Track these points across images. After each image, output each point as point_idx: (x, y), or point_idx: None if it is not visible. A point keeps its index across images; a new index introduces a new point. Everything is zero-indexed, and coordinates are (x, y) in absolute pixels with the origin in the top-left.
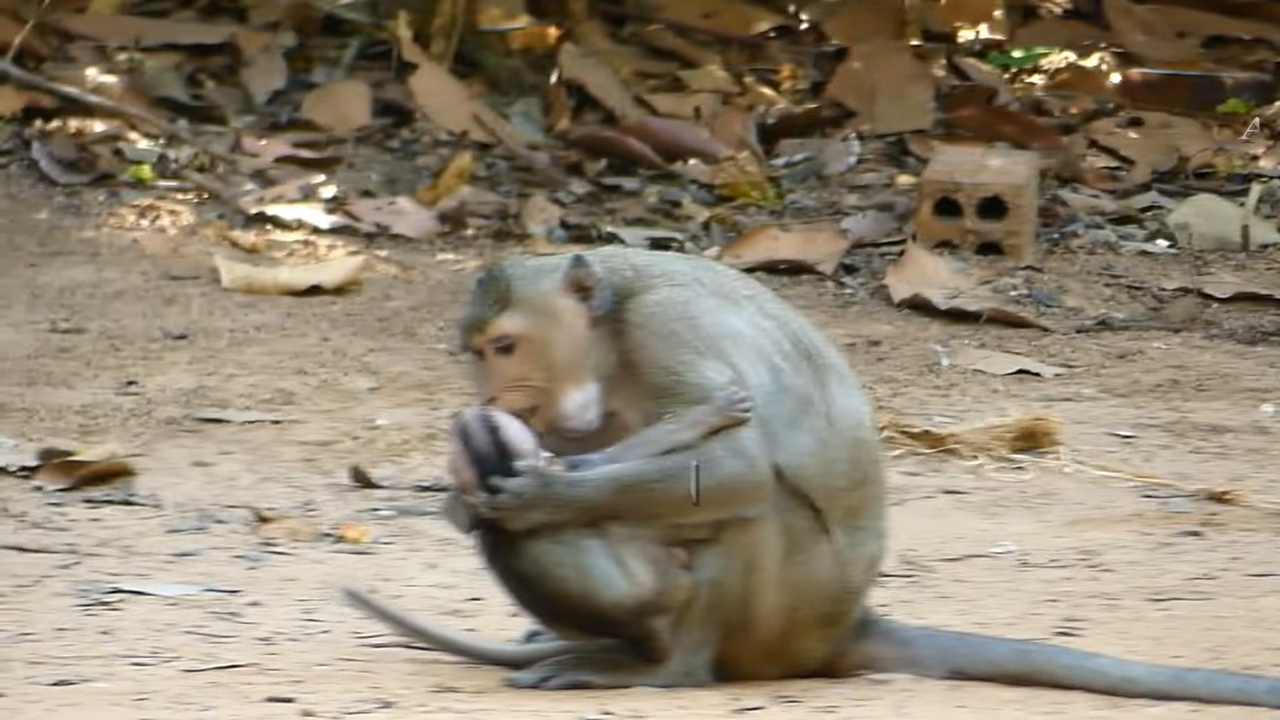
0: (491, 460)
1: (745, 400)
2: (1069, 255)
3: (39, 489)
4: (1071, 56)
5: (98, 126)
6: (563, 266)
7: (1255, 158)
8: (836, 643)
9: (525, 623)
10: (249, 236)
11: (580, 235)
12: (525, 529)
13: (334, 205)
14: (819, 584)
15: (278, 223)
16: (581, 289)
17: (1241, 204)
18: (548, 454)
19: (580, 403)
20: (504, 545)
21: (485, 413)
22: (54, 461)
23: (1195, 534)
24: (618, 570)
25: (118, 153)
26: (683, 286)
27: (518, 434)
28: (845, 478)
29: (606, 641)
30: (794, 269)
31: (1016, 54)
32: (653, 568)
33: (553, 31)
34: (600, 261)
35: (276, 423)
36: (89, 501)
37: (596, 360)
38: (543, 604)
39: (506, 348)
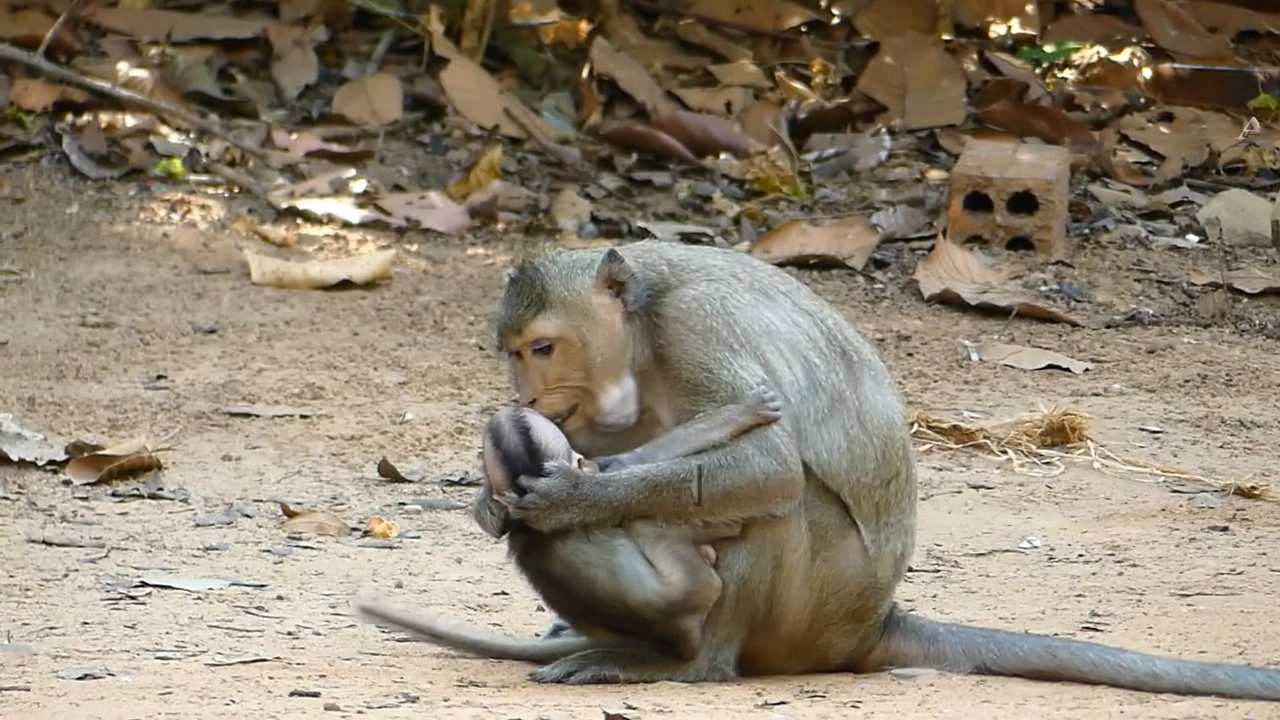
0: (522, 461)
1: (775, 399)
2: (1099, 250)
3: (67, 483)
4: (1103, 51)
5: (129, 121)
6: (597, 263)
7: (1253, 144)
8: (863, 638)
9: (551, 617)
10: (279, 231)
11: (611, 230)
12: (555, 529)
13: (364, 199)
14: (846, 579)
15: (308, 217)
16: (616, 284)
17: (1272, 199)
18: (579, 454)
19: (619, 399)
20: (535, 546)
21: (517, 413)
22: (82, 455)
23: (1222, 529)
24: (648, 570)
25: (149, 147)
26: (719, 282)
27: (549, 434)
28: (874, 474)
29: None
30: (824, 264)
31: (1048, 49)
32: (683, 567)
33: (584, 26)
34: (635, 256)
35: (305, 417)
36: (116, 495)
37: (632, 355)
38: (574, 604)
39: (545, 349)
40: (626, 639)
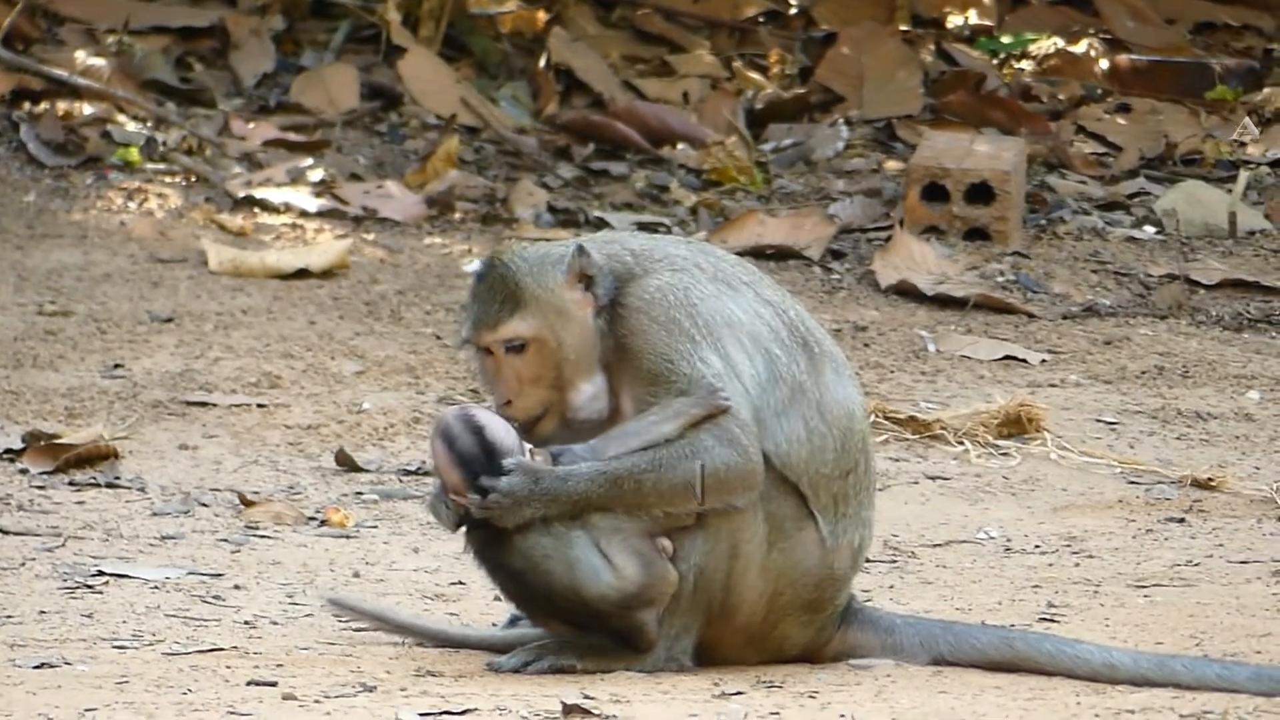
0: (480, 461)
1: (724, 391)
2: (1056, 241)
3: (24, 471)
4: (1060, 42)
5: (86, 109)
6: (567, 257)
7: (1243, 144)
8: (819, 629)
9: (509, 607)
10: (236, 220)
11: (568, 220)
12: (517, 525)
13: (322, 189)
14: (803, 570)
15: (265, 206)
16: (585, 278)
17: (1229, 190)
18: (530, 446)
19: (590, 394)
20: (493, 540)
21: (466, 412)
22: (39, 444)
23: (1179, 521)
24: (603, 564)
25: (106, 135)
26: (682, 272)
27: (500, 431)
28: (833, 465)
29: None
30: (781, 254)
31: (1005, 40)
32: (638, 561)
33: (541, 15)
34: (599, 248)
35: (262, 406)
36: (74, 484)
37: (600, 348)
38: (531, 596)
39: (519, 348)
40: (583, 631)
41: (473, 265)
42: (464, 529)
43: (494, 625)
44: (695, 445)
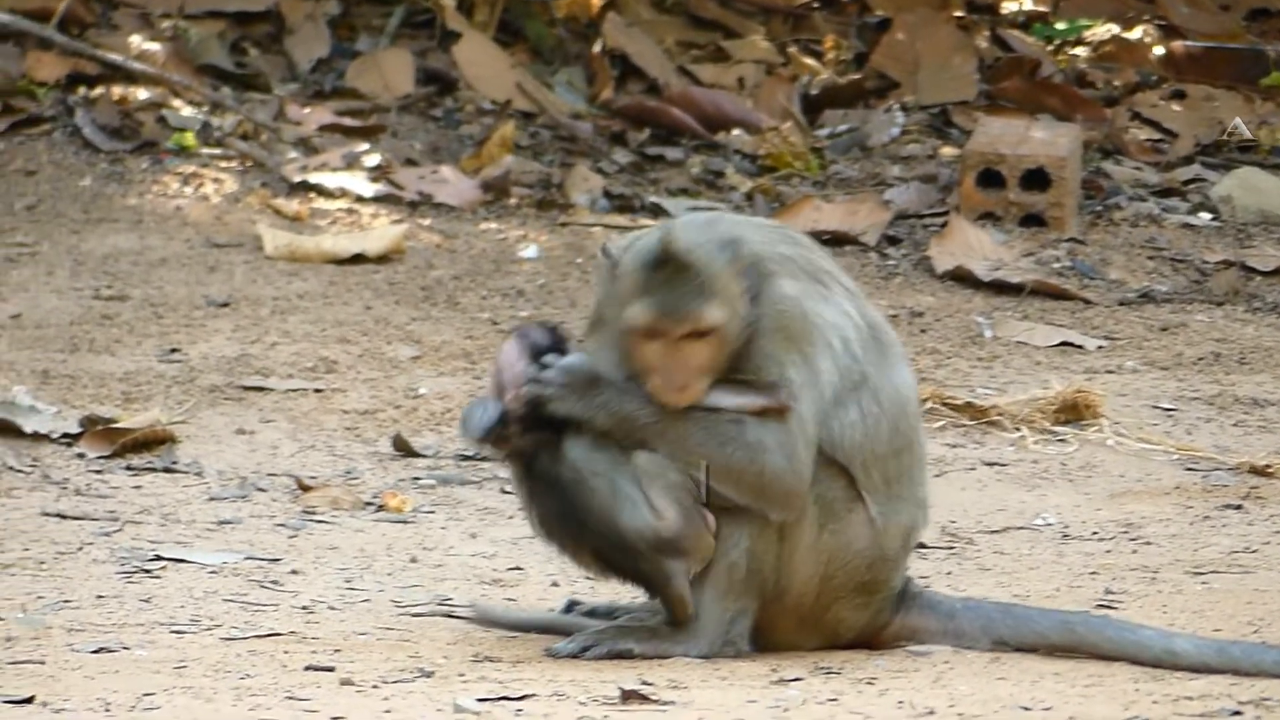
0: (548, 349)
1: (797, 400)
2: (1112, 227)
3: (81, 456)
4: (1115, 29)
5: (141, 94)
6: (730, 248)
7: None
8: (875, 613)
9: (565, 593)
10: (292, 204)
11: (623, 205)
12: (565, 416)
13: (377, 174)
14: (854, 552)
15: (321, 191)
16: (742, 269)
17: None
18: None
19: (698, 393)
20: (547, 450)
21: (541, 321)
22: (96, 429)
23: (1236, 507)
24: (644, 501)
25: (161, 120)
26: (796, 279)
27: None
28: (886, 445)
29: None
30: (837, 240)
31: (1060, 26)
32: (679, 510)
33: (596, 0)
34: (729, 228)
35: (319, 391)
36: (131, 469)
37: None
38: (569, 515)
39: (701, 334)
40: (608, 568)
41: (646, 245)
42: (507, 433)
43: (550, 610)
44: (756, 438)
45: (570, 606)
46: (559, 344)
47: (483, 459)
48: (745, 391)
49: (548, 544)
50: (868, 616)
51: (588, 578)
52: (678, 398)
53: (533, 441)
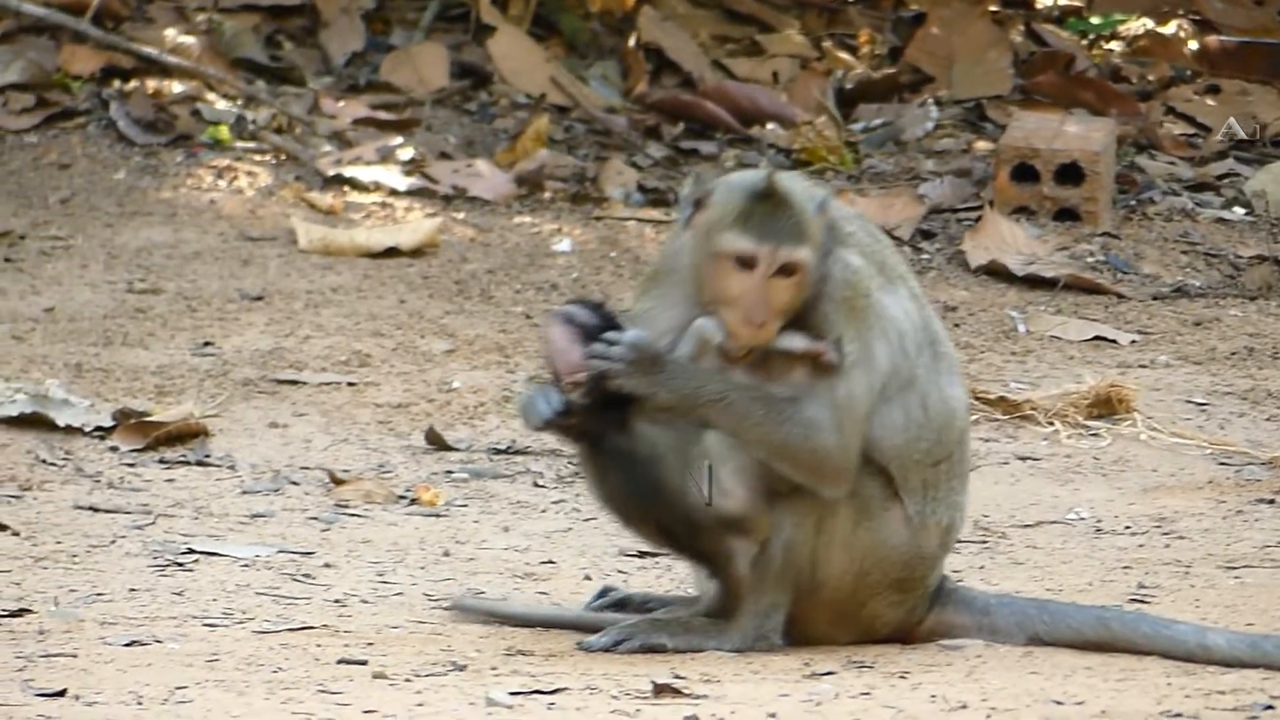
0: (598, 328)
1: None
2: (1146, 222)
3: (114, 449)
4: (1150, 23)
5: (176, 87)
6: (818, 202)
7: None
8: (910, 609)
9: (598, 586)
10: (326, 198)
11: (657, 199)
12: (626, 392)
13: (411, 167)
14: (890, 549)
15: (355, 184)
16: (823, 226)
17: None
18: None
19: (772, 334)
20: (617, 423)
21: (579, 299)
22: (129, 422)
23: (1269, 502)
24: (713, 479)
25: (196, 113)
26: (865, 258)
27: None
28: (925, 454)
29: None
30: None
31: (1095, 20)
32: (745, 490)
33: None
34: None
35: (352, 384)
36: (164, 462)
37: None
38: (636, 488)
39: (790, 272)
40: (674, 545)
41: (748, 179)
42: (570, 420)
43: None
44: (812, 415)
45: (604, 592)
46: (607, 321)
47: (517, 452)
48: (800, 338)
49: (612, 517)
50: (903, 613)
51: (642, 554)
52: (754, 334)
53: (598, 423)
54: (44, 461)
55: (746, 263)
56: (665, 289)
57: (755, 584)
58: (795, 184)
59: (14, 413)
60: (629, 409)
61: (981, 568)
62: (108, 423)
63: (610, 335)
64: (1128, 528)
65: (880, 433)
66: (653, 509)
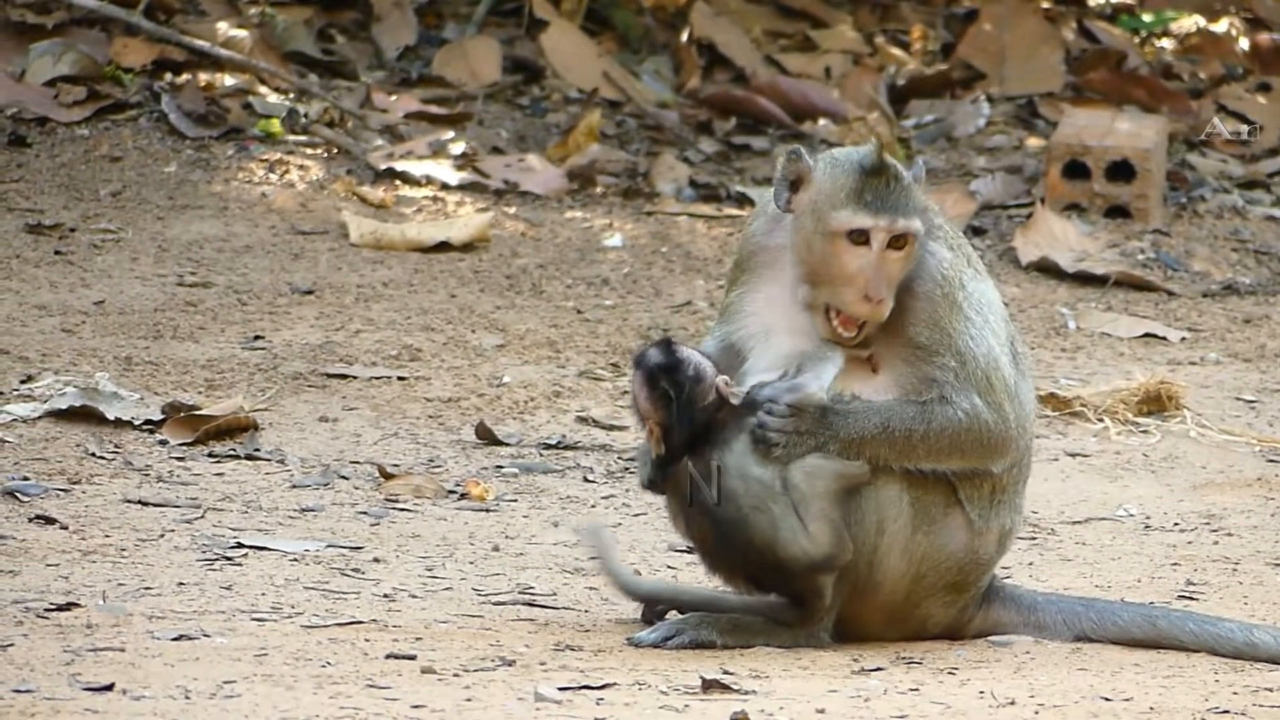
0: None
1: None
2: (1196, 219)
3: (163, 443)
4: (1201, 21)
5: (227, 80)
6: (914, 171)
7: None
8: (961, 609)
9: (645, 578)
10: (377, 192)
11: (709, 194)
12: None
13: (463, 162)
14: (947, 554)
15: (406, 179)
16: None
17: None
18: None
19: (888, 311)
20: (713, 486)
21: (667, 344)
22: (179, 415)
23: None
24: (800, 527)
25: (247, 107)
26: (953, 251)
27: (699, 360)
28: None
29: (743, 599)
30: None
31: (1146, 18)
32: (830, 530)
33: None
34: None
35: (402, 379)
36: (213, 456)
37: None
38: (727, 545)
39: (902, 244)
40: (760, 585)
41: (853, 154)
42: (660, 474)
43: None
44: (966, 409)
45: (651, 611)
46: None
47: (567, 447)
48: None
49: (709, 572)
50: (955, 613)
51: (690, 549)
52: (872, 309)
53: (692, 482)
54: (93, 455)
55: (862, 238)
56: (754, 275)
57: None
58: (900, 168)
59: (63, 406)
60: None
61: (1031, 564)
62: (157, 416)
63: (769, 394)
64: (1176, 524)
65: None
66: (743, 563)
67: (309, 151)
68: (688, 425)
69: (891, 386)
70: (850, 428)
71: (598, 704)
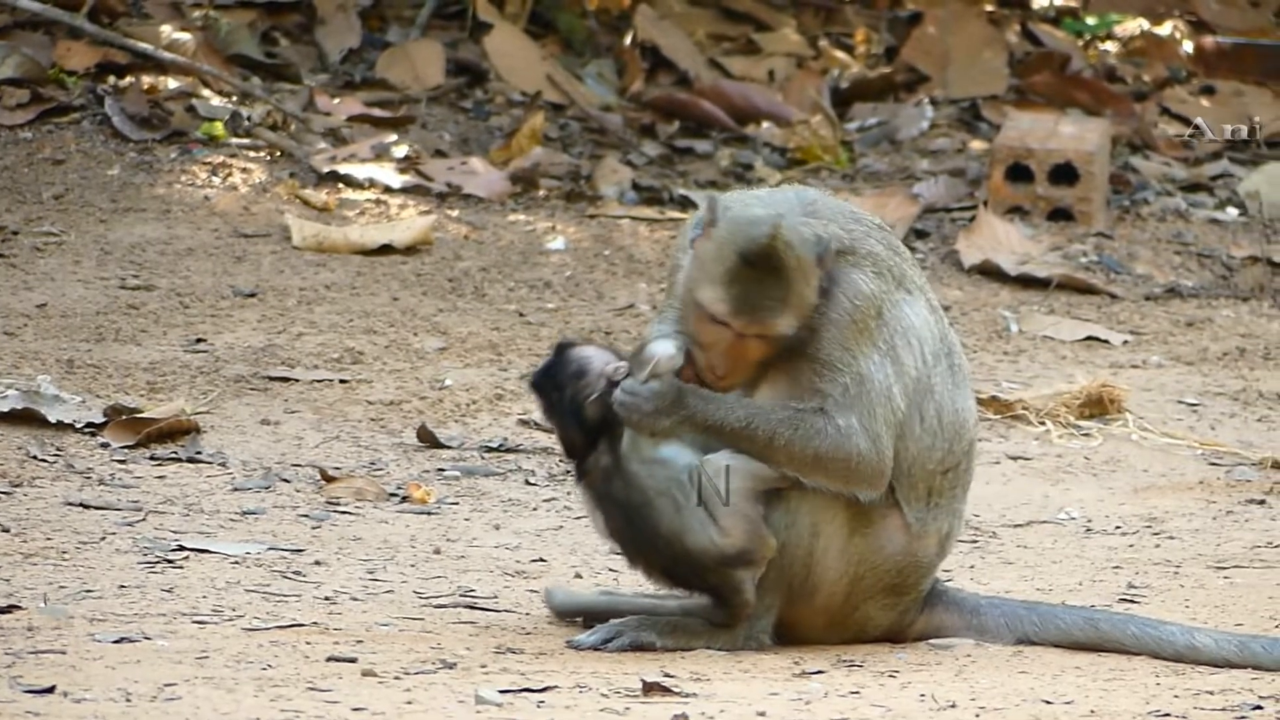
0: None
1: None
2: (1139, 222)
3: (105, 446)
4: (1145, 24)
5: (171, 83)
6: (821, 244)
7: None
8: (902, 612)
9: (588, 584)
10: (320, 195)
11: (652, 197)
12: (651, 433)
13: (406, 165)
14: (885, 555)
15: (349, 182)
16: (825, 268)
17: None
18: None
19: (736, 386)
20: (617, 473)
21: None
22: (120, 418)
23: (1259, 502)
24: (709, 519)
25: (190, 110)
26: (880, 277)
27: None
28: (936, 463)
29: (681, 603)
30: None
31: (1090, 21)
32: (743, 525)
33: None
34: (823, 220)
35: (344, 382)
36: (154, 459)
37: None
38: (636, 535)
39: (763, 337)
40: (679, 585)
41: (748, 230)
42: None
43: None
44: (841, 425)
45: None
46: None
47: (509, 450)
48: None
49: (630, 566)
50: (895, 615)
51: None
52: (718, 384)
53: (603, 470)
54: (34, 458)
55: (721, 323)
56: (673, 300)
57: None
58: (797, 236)
59: (5, 409)
60: (618, 439)
61: (972, 567)
62: (99, 419)
63: (627, 385)
64: (1118, 528)
65: (898, 441)
66: (655, 555)
67: (252, 154)
68: (574, 420)
69: (783, 395)
70: (710, 414)
71: (538, 707)
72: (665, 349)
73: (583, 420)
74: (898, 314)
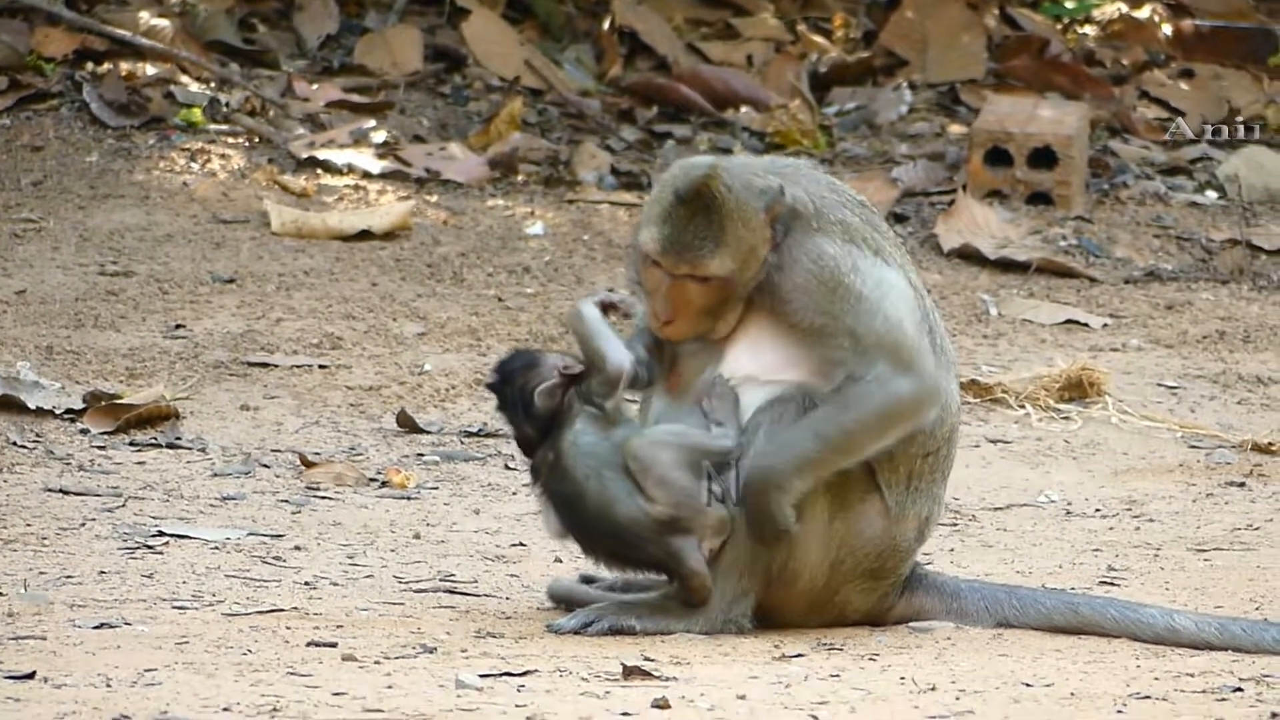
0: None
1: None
2: (1118, 206)
3: (84, 432)
4: (1124, 7)
5: (149, 70)
6: (769, 195)
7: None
8: (882, 596)
9: (569, 568)
10: (299, 181)
11: (631, 182)
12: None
13: (384, 150)
14: (865, 539)
15: (328, 167)
16: (774, 217)
17: None
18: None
19: (732, 323)
20: (559, 465)
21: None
22: (100, 404)
23: (1239, 485)
24: (634, 489)
25: (169, 96)
26: (850, 243)
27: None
28: (921, 447)
29: (647, 585)
30: None
31: (1069, 4)
32: (670, 491)
33: None
34: (790, 184)
35: (324, 367)
36: (134, 445)
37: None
38: (581, 521)
39: (701, 280)
40: (629, 565)
41: (690, 170)
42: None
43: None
44: (876, 376)
45: (587, 581)
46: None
47: (488, 435)
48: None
49: (585, 555)
50: (875, 599)
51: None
52: (665, 331)
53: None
54: (14, 444)
55: (655, 264)
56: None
57: (727, 570)
58: (739, 180)
59: None
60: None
61: (952, 550)
62: (78, 405)
63: (717, 487)
64: (1098, 510)
65: None
66: (593, 536)
67: (230, 140)
68: (523, 414)
69: (785, 366)
70: (788, 459)
71: (519, 691)
72: (620, 358)
73: (532, 412)
74: (877, 272)
